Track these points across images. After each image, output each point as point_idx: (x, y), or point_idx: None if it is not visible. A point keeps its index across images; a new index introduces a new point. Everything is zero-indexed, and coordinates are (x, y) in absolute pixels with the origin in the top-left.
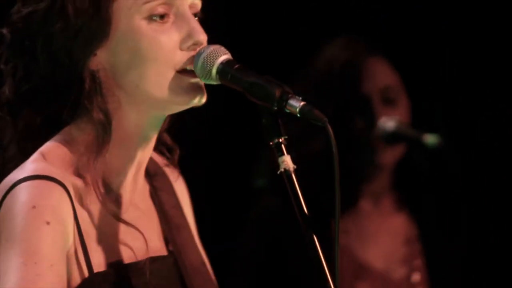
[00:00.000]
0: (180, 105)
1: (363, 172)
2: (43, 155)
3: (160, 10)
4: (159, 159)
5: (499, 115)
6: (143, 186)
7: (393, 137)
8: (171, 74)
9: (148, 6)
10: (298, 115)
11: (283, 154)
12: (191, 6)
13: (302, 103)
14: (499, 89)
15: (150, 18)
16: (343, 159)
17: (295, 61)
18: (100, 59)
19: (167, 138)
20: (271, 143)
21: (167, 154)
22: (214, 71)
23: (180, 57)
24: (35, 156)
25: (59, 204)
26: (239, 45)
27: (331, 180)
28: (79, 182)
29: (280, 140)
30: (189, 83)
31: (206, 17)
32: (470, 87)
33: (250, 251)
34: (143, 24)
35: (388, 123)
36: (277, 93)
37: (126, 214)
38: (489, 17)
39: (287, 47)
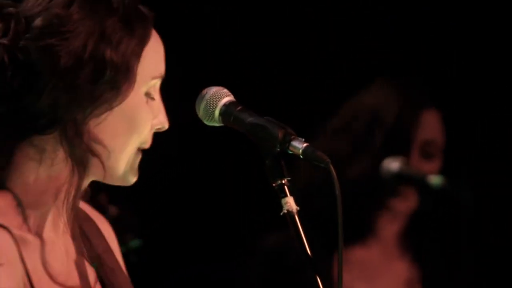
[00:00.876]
0: (123, 182)
1: (374, 214)
2: None
3: (153, 89)
4: (85, 206)
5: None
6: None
7: (397, 178)
8: (136, 152)
9: (152, 83)
10: (301, 156)
11: (286, 195)
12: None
13: (305, 145)
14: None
15: (148, 94)
16: (358, 199)
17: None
18: (93, 117)
19: (104, 200)
20: (274, 185)
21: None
22: (217, 112)
23: (148, 138)
24: None
25: (6, 247)
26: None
27: (336, 217)
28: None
29: (283, 182)
30: (136, 164)
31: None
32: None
33: (256, 283)
34: (143, 99)
35: (392, 164)
36: (280, 134)
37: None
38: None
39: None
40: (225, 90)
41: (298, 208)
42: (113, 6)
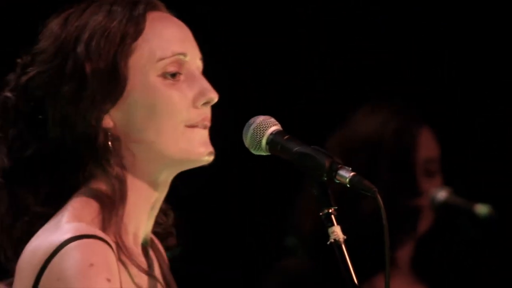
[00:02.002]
0: (193, 159)
1: (399, 240)
2: (75, 215)
3: (173, 68)
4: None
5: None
6: (152, 249)
7: (444, 207)
8: (185, 129)
9: (162, 63)
10: (348, 185)
11: (333, 224)
12: (197, 68)
13: (351, 174)
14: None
15: (164, 75)
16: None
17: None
18: (113, 117)
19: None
20: (321, 214)
21: (162, 218)
22: (264, 141)
23: (194, 114)
24: (67, 216)
25: (112, 261)
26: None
27: (378, 245)
28: (109, 239)
29: (330, 211)
30: (201, 136)
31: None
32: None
33: None
34: (158, 81)
35: (439, 193)
36: (327, 163)
37: (150, 267)
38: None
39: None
40: (272, 119)
41: (345, 237)
42: (88, 16)
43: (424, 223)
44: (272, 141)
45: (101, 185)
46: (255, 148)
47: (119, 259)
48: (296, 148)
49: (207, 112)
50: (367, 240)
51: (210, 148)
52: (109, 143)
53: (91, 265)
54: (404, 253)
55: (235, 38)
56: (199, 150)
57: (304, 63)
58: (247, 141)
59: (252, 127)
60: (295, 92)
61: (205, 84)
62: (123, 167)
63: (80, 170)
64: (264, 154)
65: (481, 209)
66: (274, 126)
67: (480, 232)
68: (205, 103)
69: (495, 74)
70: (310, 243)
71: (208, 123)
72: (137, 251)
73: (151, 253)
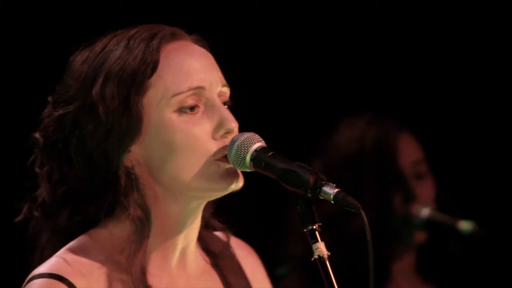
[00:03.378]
0: (218, 192)
1: (396, 251)
2: (70, 249)
3: (190, 102)
4: (224, 238)
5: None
6: (198, 269)
7: (428, 224)
8: (207, 163)
9: (178, 98)
10: (332, 201)
11: (317, 241)
12: (220, 95)
13: (336, 190)
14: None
15: (181, 110)
16: (379, 237)
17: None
18: (134, 155)
19: (215, 223)
20: (305, 230)
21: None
22: (248, 158)
23: (214, 146)
24: (63, 249)
25: None
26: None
27: (364, 261)
28: (113, 273)
29: (314, 227)
30: (225, 169)
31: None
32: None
33: None
34: (174, 117)
35: (422, 210)
36: (311, 180)
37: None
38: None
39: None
40: (257, 136)
41: (329, 254)
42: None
43: (421, 232)
44: (256, 157)
45: (121, 224)
46: (239, 165)
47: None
48: (280, 165)
49: (227, 142)
50: (358, 256)
51: (236, 177)
52: (132, 182)
53: None
54: (403, 264)
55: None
56: (225, 180)
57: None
58: (231, 157)
59: (236, 143)
60: (281, 106)
61: (224, 114)
62: (145, 208)
63: (109, 208)
64: (248, 170)
65: (465, 225)
66: (258, 143)
67: (463, 249)
68: (225, 134)
69: (479, 76)
70: (303, 267)
71: None
72: (163, 274)
73: (206, 269)
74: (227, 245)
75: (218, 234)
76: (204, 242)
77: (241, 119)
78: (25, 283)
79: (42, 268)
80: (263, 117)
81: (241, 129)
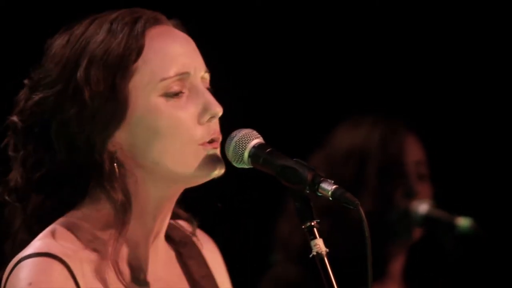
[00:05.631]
0: (201, 178)
1: (394, 248)
2: (52, 232)
3: (176, 87)
4: (186, 227)
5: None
6: (165, 255)
7: (425, 221)
8: (191, 148)
9: (164, 83)
10: (330, 198)
11: (315, 237)
12: (203, 80)
13: (334, 187)
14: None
15: (167, 95)
16: (379, 234)
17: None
18: (118, 140)
19: (179, 211)
20: (303, 227)
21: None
22: (246, 154)
23: (199, 131)
24: (44, 232)
25: (57, 281)
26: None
27: (362, 257)
28: (93, 257)
29: (313, 224)
30: (209, 154)
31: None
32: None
33: None
34: (160, 102)
35: (420, 206)
36: (309, 176)
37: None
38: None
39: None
40: (255, 132)
41: (327, 250)
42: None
43: (418, 230)
44: (254, 154)
45: (100, 207)
46: (237, 161)
47: (95, 279)
48: (278, 161)
49: (214, 126)
50: (356, 253)
51: (219, 164)
52: (115, 167)
53: (30, 284)
54: (398, 264)
55: (220, 47)
56: (208, 167)
57: (289, 76)
58: (229, 154)
59: (234, 140)
60: (280, 104)
61: (208, 98)
62: (127, 192)
63: (85, 191)
64: (246, 167)
65: (463, 222)
66: (256, 139)
67: (461, 245)
68: (210, 118)
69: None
70: (298, 258)
71: (217, 136)
72: (138, 262)
73: (173, 258)
74: (188, 234)
75: (181, 223)
76: (168, 230)
77: (243, 117)
78: (10, 268)
79: (29, 250)
80: (265, 116)
81: (242, 126)
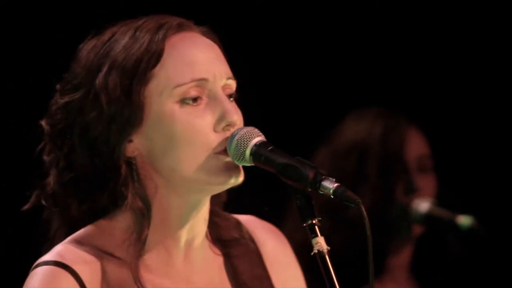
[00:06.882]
0: (217, 186)
1: (393, 245)
2: (75, 238)
3: (193, 93)
4: (247, 225)
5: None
6: (204, 262)
7: (426, 219)
8: (207, 156)
9: (180, 90)
10: (332, 196)
11: (316, 235)
12: (225, 87)
13: (335, 185)
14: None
15: (183, 101)
16: (378, 230)
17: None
18: (135, 145)
19: (219, 220)
20: (304, 225)
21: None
22: (247, 152)
23: (215, 139)
24: (69, 237)
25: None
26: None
27: (363, 252)
28: (113, 265)
29: (314, 222)
30: (225, 162)
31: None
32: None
33: None
34: (175, 108)
35: (421, 204)
36: (311, 174)
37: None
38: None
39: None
40: (256, 130)
41: (329, 248)
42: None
43: (417, 227)
44: (256, 152)
45: (123, 214)
46: (239, 159)
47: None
48: (279, 159)
49: (229, 135)
50: (356, 251)
51: (235, 172)
52: (132, 172)
53: None
54: (400, 259)
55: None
56: (223, 174)
57: (292, 72)
58: (231, 152)
59: (236, 138)
60: (283, 100)
61: (227, 106)
62: (145, 198)
63: (117, 198)
64: (248, 165)
65: (464, 220)
66: (258, 137)
67: (462, 244)
68: (227, 126)
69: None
70: (301, 256)
71: None
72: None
73: (211, 260)
74: (244, 232)
75: (241, 218)
76: (217, 231)
77: (245, 114)
78: (31, 269)
79: (47, 256)
80: (270, 113)
81: (247, 123)
